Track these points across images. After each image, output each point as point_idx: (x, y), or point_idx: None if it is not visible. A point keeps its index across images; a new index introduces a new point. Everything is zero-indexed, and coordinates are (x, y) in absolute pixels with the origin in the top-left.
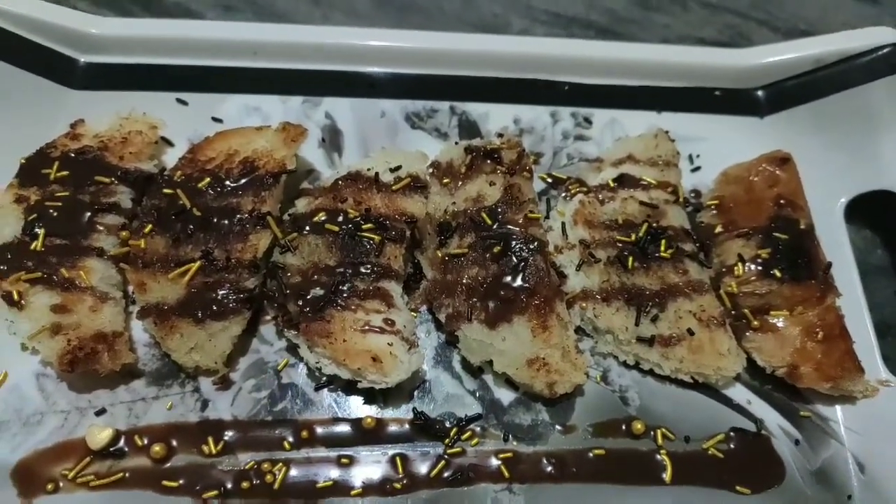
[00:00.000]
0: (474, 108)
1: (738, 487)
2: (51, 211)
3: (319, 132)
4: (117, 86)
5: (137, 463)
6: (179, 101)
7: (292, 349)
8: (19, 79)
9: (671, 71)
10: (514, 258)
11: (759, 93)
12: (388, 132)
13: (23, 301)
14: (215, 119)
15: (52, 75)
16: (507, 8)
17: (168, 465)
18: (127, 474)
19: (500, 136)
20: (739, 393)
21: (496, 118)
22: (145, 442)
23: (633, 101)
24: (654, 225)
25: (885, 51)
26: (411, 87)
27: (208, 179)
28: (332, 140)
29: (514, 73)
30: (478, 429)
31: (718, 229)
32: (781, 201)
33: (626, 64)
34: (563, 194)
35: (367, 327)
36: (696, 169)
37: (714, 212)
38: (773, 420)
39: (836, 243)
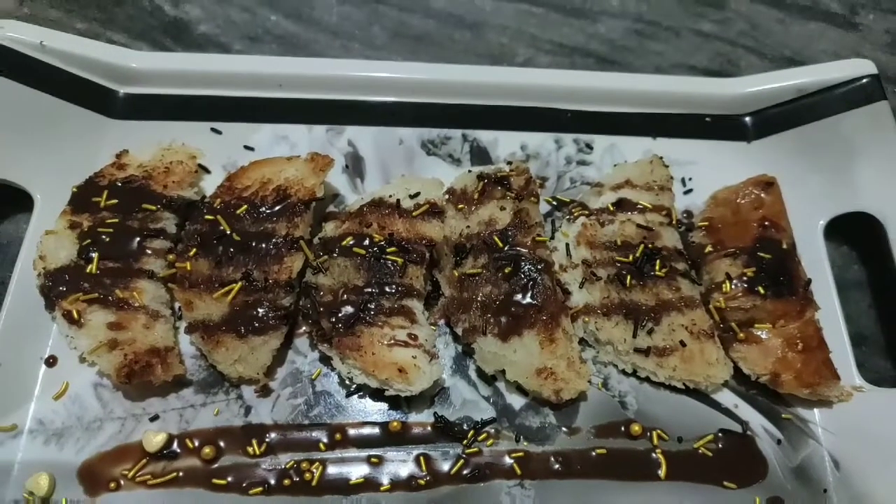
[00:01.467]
0: (484, 136)
1: (725, 483)
2: (103, 236)
3: (343, 159)
4: (155, 116)
5: (189, 463)
6: (214, 130)
7: (325, 360)
8: (64, 110)
9: (665, 99)
10: (523, 278)
11: (747, 119)
12: (406, 158)
13: (81, 319)
14: (247, 147)
15: (95, 106)
16: (513, 39)
17: (216, 465)
18: (180, 474)
19: (509, 163)
20: (727, 397)
21: (504, 144)
22: (196, 444)
23: (631, 128)
24: (650, 246)
25: (862, 81)
26: (426, 116)
27: (245, 206)
28: (355, 166)
29: (520, 102)
30: (492, 431)
31: (708, 249)
32: (766, 223)
33: (623, 93)
34: (567, 217)
35: (393, 341)
36: (689, 191)
37: (704, 232)
38: (757, 422)
39: (816, 260)
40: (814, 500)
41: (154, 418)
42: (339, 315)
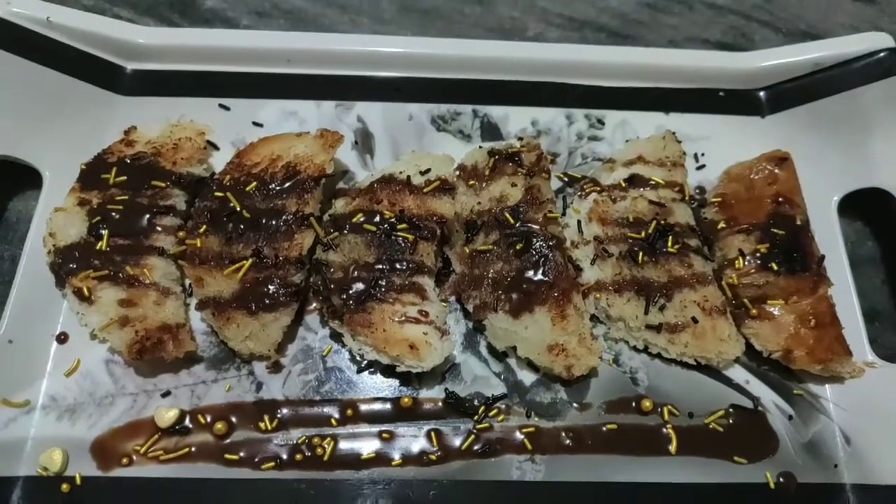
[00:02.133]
0: (495, 111)
1: (735, 458)
2: (113, 213)
3: (352, 135)
4: (162, 92)
5: (201, 439)
6: (222, 106)
7: (336, 336)
8: (72, 87)
9: (678, 74)
10: (534, 254)
11: (761, 94)
12: (416, 134)
13: (92, 296)
14: (256, 124)
15: (102, 82)
16: (523, 12)
17: (228, 440)
18: (192, 449)
19: (520, 139)
20: (738, 373)
21: (515, 120)
22: (208, 420)
23: (643, 103)
24: (662, 222)
25: (880, 55)
26: (436, 91)
27: (255, 183)
28: (364, 142)
29: (531, 77)
30: (503, 406)
31: (721, 225)
32: (780, 199)
33: (636, 67)
34: (579, 193)
35: (404, 318)
36: (702, 167)
37: (717, 208)
38: (768, 397)
39: (830, 236)
40: (824, 475)
41: (166, 394)
42: (350, 292)
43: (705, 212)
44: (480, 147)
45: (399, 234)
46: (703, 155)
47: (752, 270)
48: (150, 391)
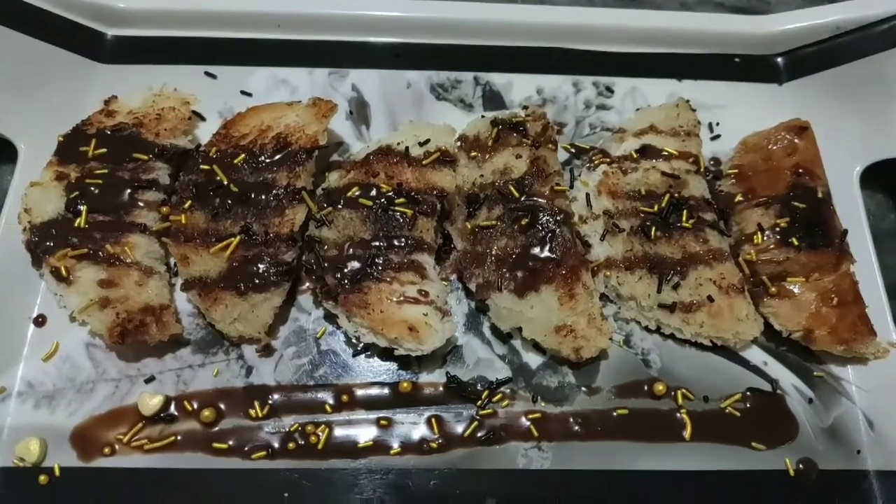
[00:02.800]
0: (498, 79)
1: (753, 444)
2: (92, 188)
3: (346, 104)
4: (145, 59)
5: (188, 427)
6: (208, 74)
7: (330, 318)
8: (49, 54)
9: (691, 38)
10: (541, 230)
11: (779, 59)
12: (414, 103)
13: (70, 276)
14: (244, 93)
15: (81, 50)
16: None
17: (217, 428)
18: (178, 437)
19: (525, 108)
20: (756, 355)
21: (519, 88)
22: (194, 407)
23: (654, 69)
24: (676, 195)
25: None
26: (436, 58)
27: (243, 155)
28: (360, 112)
29: (536, 43)
30: (508, 391)
31: (738, 198)
32: (800, 170)
33: (646, 31)
34: (587, 165)
35: (402, 298)
36: (716, 137)
37: (733, 180)
38: (787, 380)
39: (851, 209)
40: (847, 461)
41: (150, 380)
42: (345, 270)
43: (721, 184)
44: (483, 117)
45: (397, 208)
46: (717, 124)
47: (772, 246)
48: (134, 376)
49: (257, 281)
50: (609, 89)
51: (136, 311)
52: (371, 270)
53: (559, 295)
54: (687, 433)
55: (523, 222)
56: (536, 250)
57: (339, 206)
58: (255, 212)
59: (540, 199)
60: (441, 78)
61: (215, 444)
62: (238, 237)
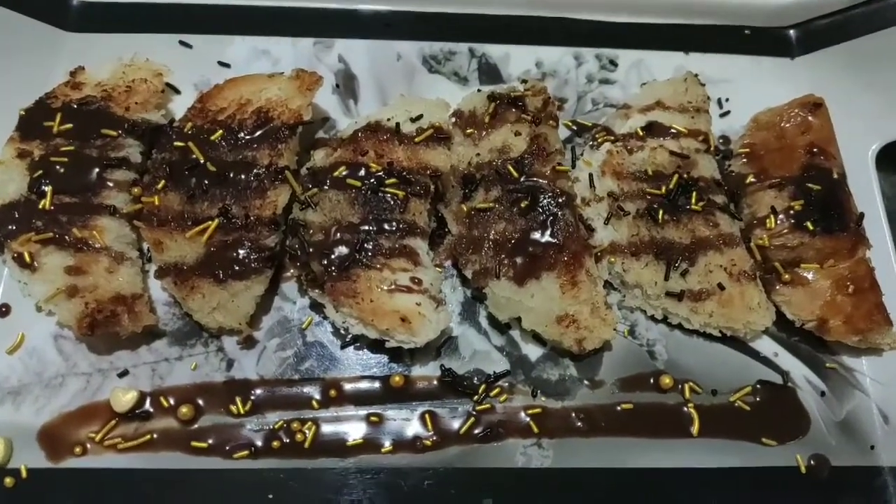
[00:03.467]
0: (494, 50)
1: (763, 439)
2: (57, 167)
3: (333, 77)
4: (115, 27)
5: (164, 424)
6: (183, 43)
7: (316, 307)
8: (10, 21)
9: (699, 8)
10: (542, 213)
11: (791, 32)
12: (405, 77)
13: (35, 263)
14: (222, 64)
15: (45, 17)
16: None
17: (196, 425)
18: (155, 436)
19: (524, 81)
20: (766, 345)
21: (517, 61)
22: (171, 403)
23: (660, 41)
24: (685, 176)
25: None
26: (428, 27)
27: (221, 131)
28: (347, 85)
29: (535, 11)
30: (506, 385)
31: (750, 179)
32: (814, 149)
33: (652, 0)
34: (590, 143)
35: (394, 286)
36: (726, 114)
37: (744, 160)
38: (799, 372)
39: (866, 191)
40: (860, 457)
41: (123, 374)
42: (332, 256)
43: (731, 164)
44: (479, 91)
45: (387, 189)
46: (727, 100)
47: (785, 230)
48: (106, 370)
49: (237, 268)
50: (612, 62)
51: (107, 301)
52: (360, 256)
53: (561, 283)
54: (694, 428)
55: (523, 205)
56: (537, 235)
57: (326, 187)
58: (234, 193)
59: (540, 180)
60: (434, 49)
61: (194, 443)
62: (216, 220)
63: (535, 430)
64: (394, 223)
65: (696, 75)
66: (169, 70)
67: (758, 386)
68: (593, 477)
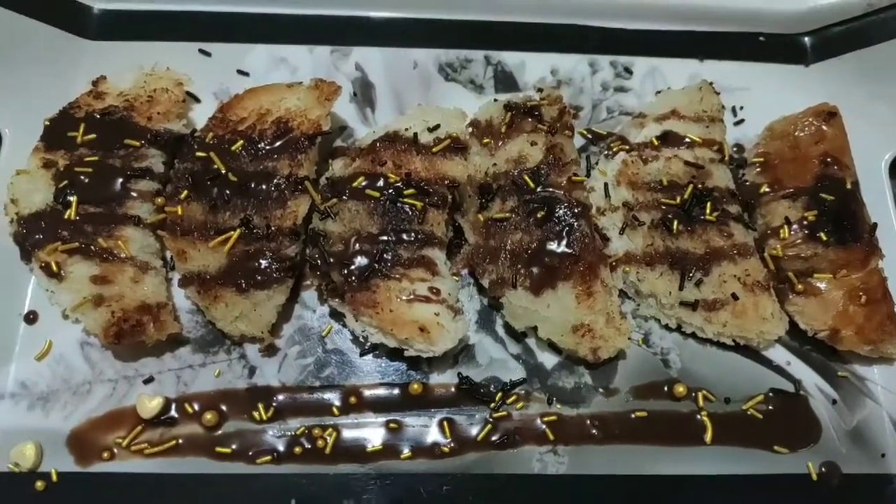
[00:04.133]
0: (510, 58)
1: (775, 447)
2: (82, 177)
3: (350, 85)
4: (135, 35)
5: (189, 430)
6: (202, 51)
7: (336, 315)
8: (32, 30)
9: (714, 15)
10: (558, 223)
11: (805, 39)
12: (422, 85)
13: (62, 272)
14: (241, 72)
15: (67, 25)
16: None
17: (220, 431)
18: (180, 441)
19: (540, 90)
20: (779, 354)
21: (533, 68)
22: (196, 409)
23: (675, 48)
24: (700, 186)
25: None
26: (444, 35)
27: (241, 142)
28: (364, 94)
29: (551, 19)
30: (522, 392)
31: (764, 189)
32: (828, 159)
33: (666, 7)
34: (605, 152)
35: (412, 297)
36: (740, 122)
37: (759, 169)
38: (811, 380)
39: (880, 200)
40: (871, 465)
41: (149, 380)
42: (352, 267)
43: (745, 173)
44: (495, 100)
45: (406, 200)
46: (741, 108)
47: (799, 241)
48: (131, 377)
49: (259, 278)
50: (627, 70)
51: (132, 311)
52: (379, 267)
53: (576, 293)
54: (708, 436)
55: (539, 215)
56: (553, 245)
57: (345, 198)
58: (255, 203)
59: (557, 191)
60: (450, 57)
61: (218, 449)
62: (238, 230)
63: (551, 437)
64: (412, 233)
65: (711, 84)
66: (189, 79)
67: (770, 394)
68: (608, 484)
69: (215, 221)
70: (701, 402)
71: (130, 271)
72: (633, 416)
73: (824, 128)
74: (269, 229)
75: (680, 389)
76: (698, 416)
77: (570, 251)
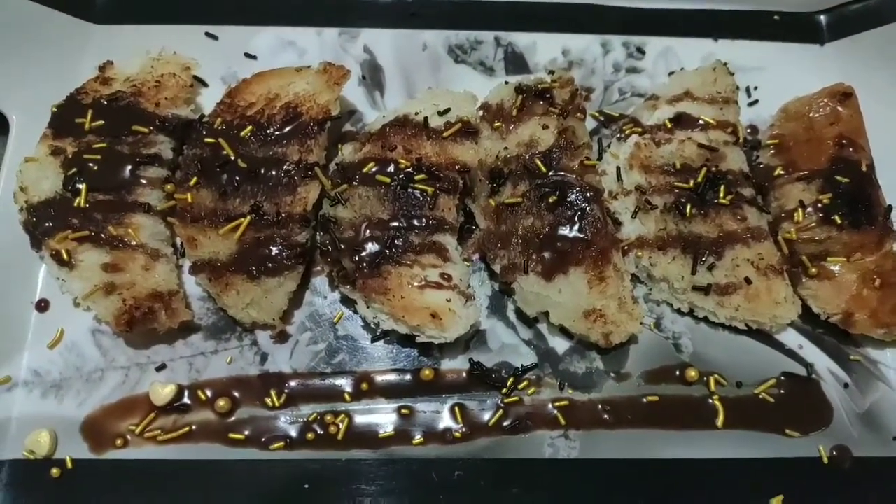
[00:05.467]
0: (520, 39)
1: (787, 430)
2: (90, 164)
3: (359, 69)
4: (140, 18)
5: (202, 417)
6: (209, 35)
7: (346, 301)
8: (37, 14)
9: None
10: (570, 208)
11: (821, 17)
12: (431, 67)
13: (72, 260)
14: (249, 55)
15: (72, 8)
16: None
17: (233, 418)
18: (193, 428)
19: (551, 72)
20: (791, 338)
21: (544, 49)
22: (209, 396)
23: (688, 28)
24: (713, 169)
25: None
26: (453, 16)
27: (251, 127)
28: (373, 77)
29: None
30: (533, 378)
31: (778, 171)
32: (843, 141)
33: None
34: (617, 135)
35: (424, 283)
36: (754, 102)
37: (773, 151)
38: (823, 364)
39: (894, 183)
40: (882, 448)
41: (161, 368)
42: (363, 253)
43: (759, 155)
44: (506, 83)
45: (417, 186)
46: (755, 89)
47: (813, 224)
48: (144, 364)
49: (270, 265)
50: (640, 50)
51: (144, 298)
52: (390, 253)
53: (588, 278)
54: (720, 420)
55: (551, 200)
56: (565, 230)
57: (355, 183)
58: (265, 189)
59: (569, 175)
60: (460, 39)
61: (231, 435)
62: (248, 217)
63: (563, 421)
64: (423, 219)
65: (725, 64)
66: (196, 64)
67: (782, 378)
68: (619, 468)
69: (225, 208)
70: (713, 387)
71: (141, 259)
72: (644, 400)
73: (840, 109)
74: (280, 216)
75: (692, 374)
76: (710, 401)
77: (581, 236)
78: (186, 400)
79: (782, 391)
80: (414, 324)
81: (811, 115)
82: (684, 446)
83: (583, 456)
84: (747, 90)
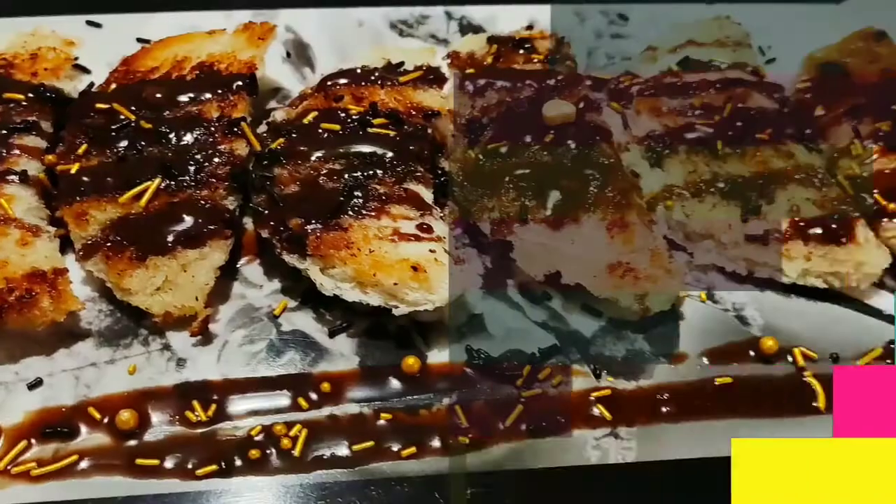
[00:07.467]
0: (476, 12)
1: None
2: None
3: (282, 48)
4: (9, 10)
5: (95, 442)
6: (91, 23)
7: (289, 291)
8: None
9: None
10: (572, 146)
11: None
12: (372, 42)
13: None
14: (141, 40)
15: None
16: None
17: (140, 439)
18: (83, 458)
19: (530, 27)
20: (888, 302)
21: (506, 21)
22: (102, 416)
23: None
24: (740, 105)
25: None
26: None
27: (155, 87)
28: (300, 53)
29: None
30: (557, 364)
31: (819, 111)
32: (890, 74)
33: None
34: (613, 87)
35: (396, 236)
36: (771, 60)
37: (809, 95)
38: None
39: None
40: None
41: (35, 385)
42: (313, 206)
43: (793, 97)
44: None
45: (375, 130)
46: (769, 48)
47: (877, 154)
48: (10, 382)
49: (191, 232)
50: (622, 16)
51: (20, 278)
52: (349, 203)
53: (608, 223)
54: (820, 402)
55: (547, 139)
56: (569, 169)
57: (293, 135)
58: (179, 151)
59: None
60: (402, 14)
61: (140, 461)
62: (157, 179)
63: (608, 417)
64: (388, 167)
65: (728, 16)
66: (80, 41)
67: (892, 346)
68: (696, 469)
69: (126, 176)
70: (801, 362)
71: (16, 233)
72: (715, 382)
73: (876, 49)
74: (200, 177)
75: (769, 344)
76: (803, 379)
77: (591, 173)
78: (72, 421)
79: (892, 362)
80: (391, 282)
81: (844, 59)
82: (780, 435)
83: (642, 458)
84: (760, 49)
